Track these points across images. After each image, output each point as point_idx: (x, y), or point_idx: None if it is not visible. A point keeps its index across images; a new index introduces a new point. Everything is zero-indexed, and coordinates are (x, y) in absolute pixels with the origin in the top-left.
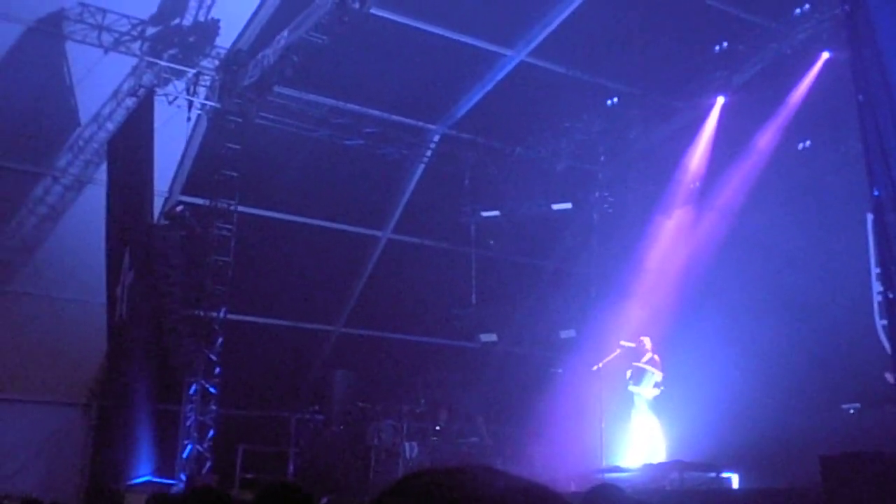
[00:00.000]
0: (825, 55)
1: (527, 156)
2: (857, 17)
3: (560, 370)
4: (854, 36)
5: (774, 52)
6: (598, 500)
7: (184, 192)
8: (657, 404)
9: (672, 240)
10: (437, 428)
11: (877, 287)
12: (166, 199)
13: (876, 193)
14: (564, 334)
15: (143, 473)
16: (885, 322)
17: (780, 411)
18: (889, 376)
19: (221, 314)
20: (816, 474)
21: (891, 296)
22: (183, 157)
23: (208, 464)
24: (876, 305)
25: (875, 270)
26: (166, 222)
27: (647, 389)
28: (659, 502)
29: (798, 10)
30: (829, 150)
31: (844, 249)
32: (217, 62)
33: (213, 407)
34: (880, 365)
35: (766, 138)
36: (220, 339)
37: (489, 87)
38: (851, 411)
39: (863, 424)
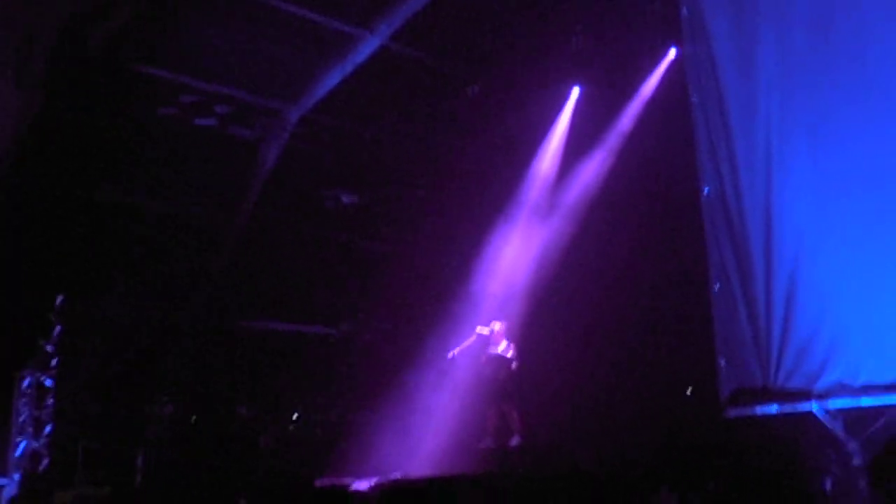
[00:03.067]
0: (673, 52)
1: (387, 141)
2: (692, 20)
3: (417, 357)
4: (689, 39)
5: (627, 45)
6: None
7: None
8: (510, 390)
9: (527, 227)
10: (294, 417)
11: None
12: None
13: (706, 191)
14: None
15: None
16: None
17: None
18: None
19: (58, 302)
20: None
21: (717, 286)
22: None
23: (45, 461)
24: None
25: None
26: None
27: (500, 374)
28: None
29: (648, 7)
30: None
31: (688, 242)
32: None
33: (51, 401)
34: None
35: (617, 131)
36: (57, 328)
37: (349, 69)
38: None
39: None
